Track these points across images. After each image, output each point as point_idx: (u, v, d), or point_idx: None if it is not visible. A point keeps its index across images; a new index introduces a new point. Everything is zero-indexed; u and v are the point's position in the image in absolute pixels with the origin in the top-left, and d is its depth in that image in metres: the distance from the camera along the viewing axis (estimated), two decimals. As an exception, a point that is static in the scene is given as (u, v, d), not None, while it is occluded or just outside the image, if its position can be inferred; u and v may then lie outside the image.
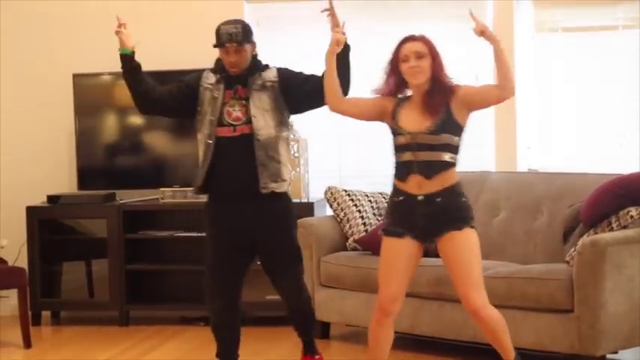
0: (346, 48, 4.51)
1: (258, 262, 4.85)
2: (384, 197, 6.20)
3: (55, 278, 6.85)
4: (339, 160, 6.81)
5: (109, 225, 6.59)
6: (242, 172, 4.64)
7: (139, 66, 4.75)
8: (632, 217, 5.01)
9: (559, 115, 6.52)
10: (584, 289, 4.85)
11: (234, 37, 4.63)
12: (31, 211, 6.68)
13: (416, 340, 5.64)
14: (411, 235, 4.27)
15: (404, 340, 5.55)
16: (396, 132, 4.31)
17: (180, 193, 6.58)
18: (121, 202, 6.72)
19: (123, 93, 6.82)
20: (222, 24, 4.69)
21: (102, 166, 6.90)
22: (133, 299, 6.64)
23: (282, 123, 4.74)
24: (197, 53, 6.50)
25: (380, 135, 6.34)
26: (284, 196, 4.76)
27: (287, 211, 4.79)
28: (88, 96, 6.82)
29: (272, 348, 5.86)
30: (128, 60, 4.73)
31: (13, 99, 7.08)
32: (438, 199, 4.23)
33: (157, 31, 6.87)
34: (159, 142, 6.85)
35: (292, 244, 4.81)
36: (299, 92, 4.71)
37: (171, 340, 6.18)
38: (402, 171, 4.29)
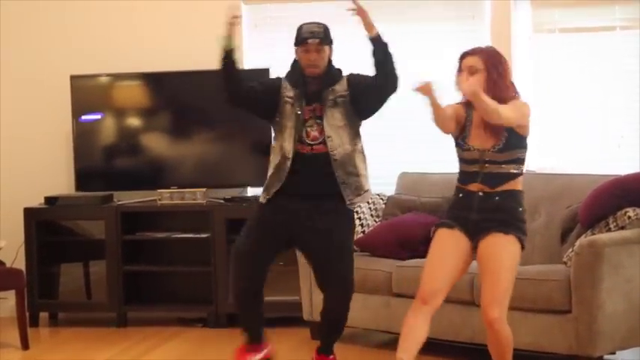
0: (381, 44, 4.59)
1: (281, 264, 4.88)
2: (381, 199, 6.20)
3: (53, 280, 6.83)
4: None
5: (106, 226, 6.58)
6: (319, 186, 4.71)
7: (236, 61, 4.77)
8: (629, 217, 5.01)
9: (557, 116, 6.50)
10: (581, 289, 4.85)
11: (317, 34, 4.70)
12: (28, 212, 6.66)
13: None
14: (462, 229, 4.25)
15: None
16: (463, 147, 4.28)
17: (178, 194, 6.57)
18: (119, 203, 6.71)
19: (120, 94, 6.87)
20: (305, 23, 4.77)
21: (100, 167, 6.88)
22: (130, 301, 6.63)
23: (356, 135, 4.82)
24: (195, 54, 6.52)
25: (378, 136, 6.43)
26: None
27: (343, 216, 4.81)
28: (85, 97, 6.81)
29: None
30: (231, 53, 4.74)
31: (11, 100, 7.06)
32: (496, 198, 4.22)
33: (154, 32, 6.86)
34: (156, 143, 6.83)
35: (345, 249, 4.82)
36: (366, 98, 4.74)
37: (169, 342, 6.17)
38: (467, 179, 4.28)
